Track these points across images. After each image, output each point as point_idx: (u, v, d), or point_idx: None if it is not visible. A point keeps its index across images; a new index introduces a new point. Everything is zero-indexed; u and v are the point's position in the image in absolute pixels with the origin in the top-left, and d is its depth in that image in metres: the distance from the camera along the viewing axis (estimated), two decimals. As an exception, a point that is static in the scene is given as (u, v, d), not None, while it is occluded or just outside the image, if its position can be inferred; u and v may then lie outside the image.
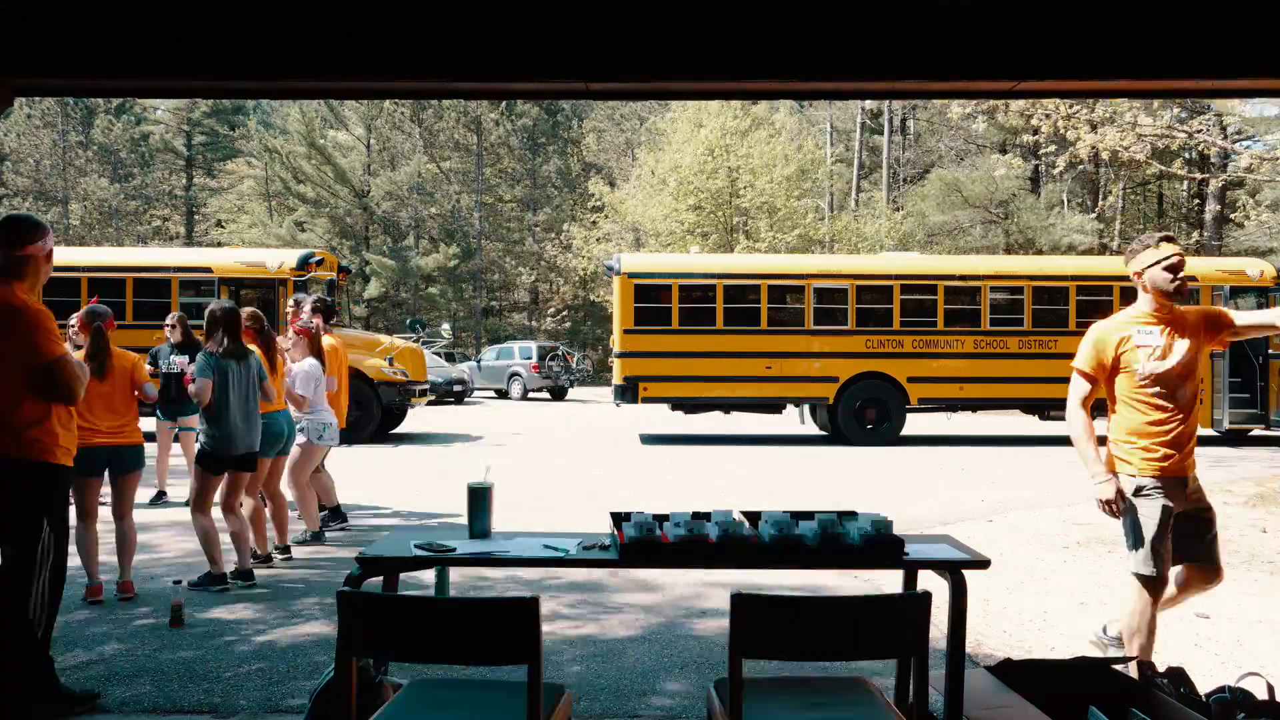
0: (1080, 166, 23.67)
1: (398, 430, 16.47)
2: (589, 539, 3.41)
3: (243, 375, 5.88)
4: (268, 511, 6.69)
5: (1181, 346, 4.00)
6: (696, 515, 3.57)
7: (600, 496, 9.47)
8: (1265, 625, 5.38)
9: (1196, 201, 31.53)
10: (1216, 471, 12.11)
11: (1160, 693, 3.09)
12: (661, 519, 3.47)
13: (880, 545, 3.15)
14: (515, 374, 28.41)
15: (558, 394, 28.43)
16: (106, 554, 5.87)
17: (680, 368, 15.22)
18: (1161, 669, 3.31)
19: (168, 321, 8.61)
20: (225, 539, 6.08)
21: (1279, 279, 15.56)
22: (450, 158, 43.24)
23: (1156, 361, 3.98)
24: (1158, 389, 3.97)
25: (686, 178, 29.59)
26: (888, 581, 5.72)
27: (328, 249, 33.43)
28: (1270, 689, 3.08)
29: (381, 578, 3.24)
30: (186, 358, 8.15)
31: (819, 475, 11.61)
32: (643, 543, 3.26)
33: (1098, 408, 4.15)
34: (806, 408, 16.67)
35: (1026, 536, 7.87)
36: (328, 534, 7.53)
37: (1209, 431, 15.67)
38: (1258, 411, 15.45)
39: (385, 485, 10.33)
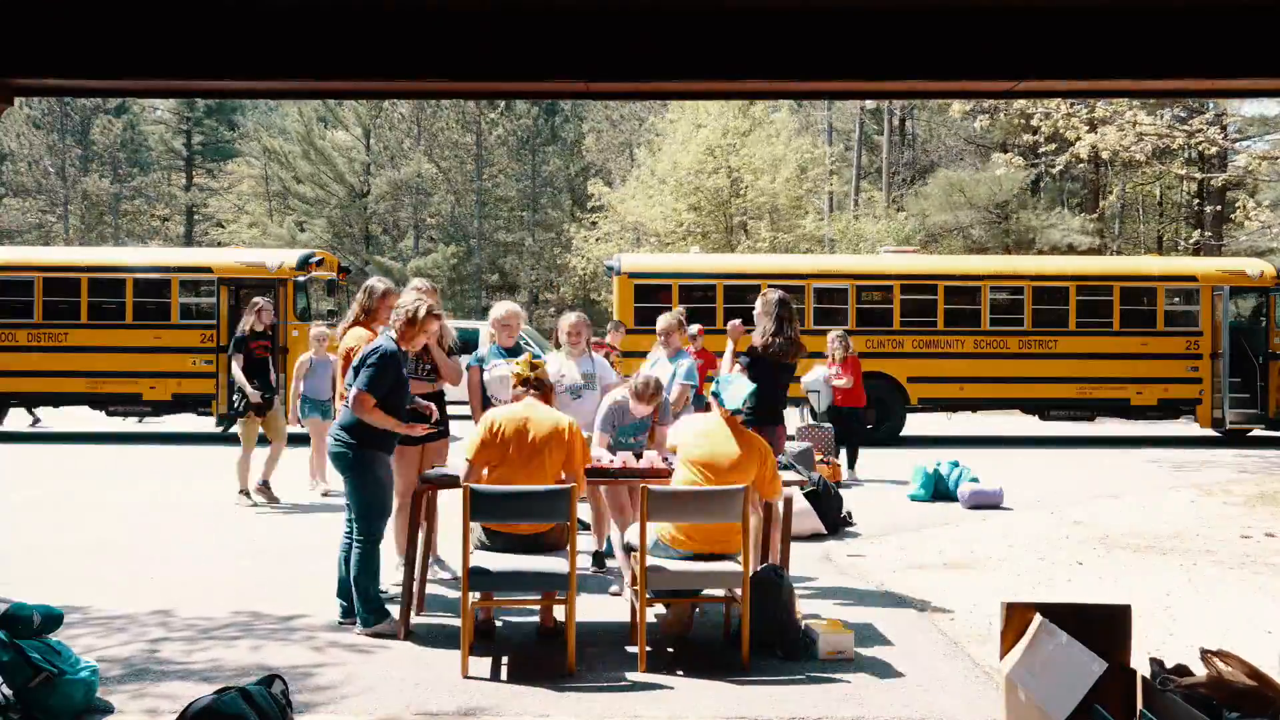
0: (1080, 166, 23.64)
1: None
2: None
3: None
4: None
5: None
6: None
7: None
8: (1263, 627, 5.38)
9: (1197, 201, 31.48)
10: (1214, 472, 12.11)
11: (1168, 692, 3.09)
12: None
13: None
14: (516, 374, 28.36)
15: (558, 394, 28.37)
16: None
17: (680, 368, 15.17)
18: (1170, 666, 3.31)
19: None
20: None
21: (1279, 279, 15.53)
22: (449, 158, 43.22)
23: None
24: None
25: (685, 177, 29.55)
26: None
27: (327, 249, 33.43)
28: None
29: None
30: None
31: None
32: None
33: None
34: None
35: (1024, 536, 7.86)
36: None
37: (1209, 432, 15.66)
38: (1258, 411, 15.42)
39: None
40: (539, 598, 4.91)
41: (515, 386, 5.00)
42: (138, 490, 10.14)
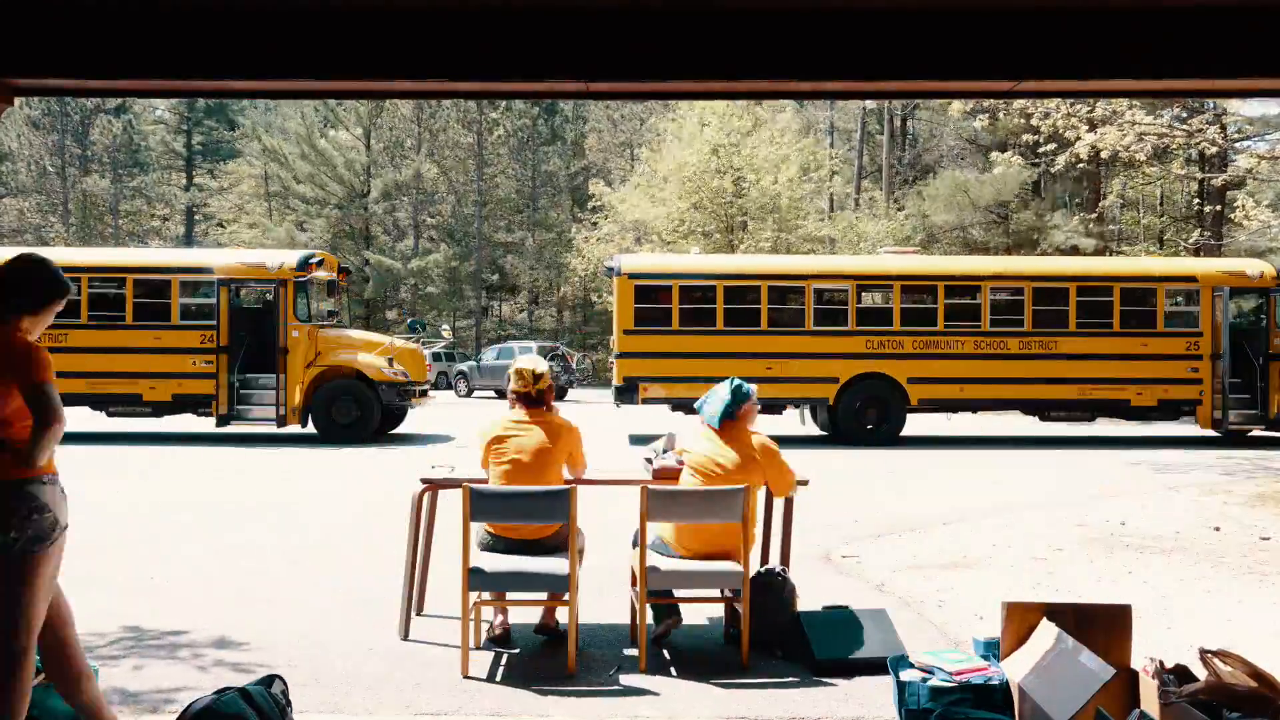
0: (1081, 166, 23.68)
1: (397, 430, 16.47)
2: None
3: None
4: None
5: None
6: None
7: (598, 498, 9.41)
8: (1261, 629, 5.38)
9: (1197, 201, 31.55)
10: (1214, 472, 12.11)
11: (1167, 690, 3.09)
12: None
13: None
14: (516, 373, 28.38)
15: (558, 394, 28.38)
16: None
17: (680, 368, 15.21)
18: (1170, 666, 3.32)
19: None
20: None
21: (1279, 279, 15.53)
22: (450, 158, 43.25)
23: None
24: None
25: (689, 176, 29.59)
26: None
27: (327, 249, 33.43)
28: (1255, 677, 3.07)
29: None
30: None
31: (818, 476, 11.58)
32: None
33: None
34: (807, 408, 16.66)
35: (1024, 536, 7.86)
36: None
37: (1209, 432, 15.66)
38: (1258, 412, 15.42)
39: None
40: (544, 597, 4.89)
41: (510, 394, 5.05)
42: (138, 491, 10.14)
